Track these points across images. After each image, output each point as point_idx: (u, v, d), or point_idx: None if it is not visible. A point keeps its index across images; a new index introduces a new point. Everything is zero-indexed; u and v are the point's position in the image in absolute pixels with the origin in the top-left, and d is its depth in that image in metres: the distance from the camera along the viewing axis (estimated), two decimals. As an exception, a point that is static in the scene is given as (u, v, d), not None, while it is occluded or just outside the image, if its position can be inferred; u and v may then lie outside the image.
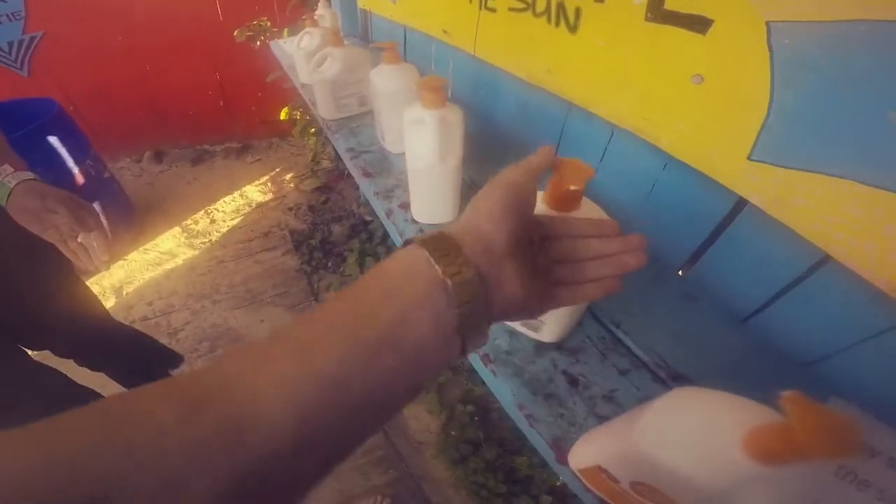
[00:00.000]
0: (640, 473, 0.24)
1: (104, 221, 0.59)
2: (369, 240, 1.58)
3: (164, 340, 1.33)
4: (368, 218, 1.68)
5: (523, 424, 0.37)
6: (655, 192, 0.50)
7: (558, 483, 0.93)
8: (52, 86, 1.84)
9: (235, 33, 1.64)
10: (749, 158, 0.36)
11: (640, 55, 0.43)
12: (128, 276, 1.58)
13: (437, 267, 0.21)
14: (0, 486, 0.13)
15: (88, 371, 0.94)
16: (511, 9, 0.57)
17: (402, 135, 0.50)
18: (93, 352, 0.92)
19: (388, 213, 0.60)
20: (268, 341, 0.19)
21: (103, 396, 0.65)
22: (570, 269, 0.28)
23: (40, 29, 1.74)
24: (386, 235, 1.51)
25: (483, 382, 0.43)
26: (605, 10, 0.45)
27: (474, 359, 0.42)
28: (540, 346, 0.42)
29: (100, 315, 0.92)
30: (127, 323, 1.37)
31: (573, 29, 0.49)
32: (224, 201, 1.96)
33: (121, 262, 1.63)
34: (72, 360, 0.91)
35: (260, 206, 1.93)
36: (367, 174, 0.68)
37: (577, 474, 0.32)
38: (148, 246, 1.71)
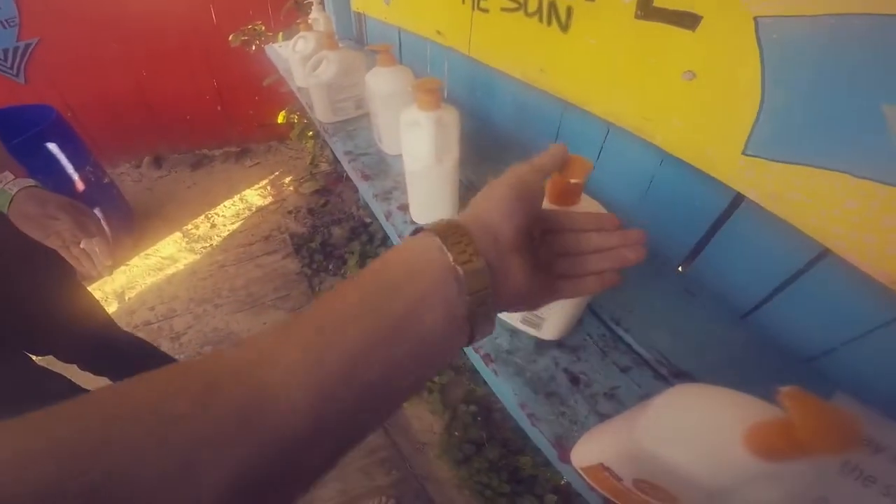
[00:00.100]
0: (642, 471, 0.24)
1: (105, 227, 0.59)
2: (370, 242, 1.59)
3: (166, 345, 1.34)
4: (368, 220, 1.68)
5: (525, 423, 0.37)
6: (653, 189, 0.50)
7: (563, 482, 0.93)
8: (50, 93, 1.84)
9: (230, 38, 1.64)
10: (744, 153, 0.36)
11: (632, 53, 0.43)
12: (130, 282, 1.58)
13: (448, 255, 0.21)
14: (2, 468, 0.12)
15: (92, 375, 0.95)
16: (503, 9, 0.57)
17: (399, 137, 0.50)
18: (95, 356, 0.92)
19: (388, 215, 0.60)
20: (282, 328, 0.19)
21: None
22: (571, 262, 0.28)
23: (35, 35, 1.74)
24: (386, 237, 1.51)
25: (485, 382, 0.43)
26: (596, 9, 0.45)
27: (476, 359, 0.42)
28: (541, 345, 0.42)
29: (102, 320, 0.92)
30: (130, 328, 1.39)
31: (565, 28, 0.49)
32: (224, 205, 1.96)
33: (122, 268, 1.63)
34: (75, 365, 0.91)
35: (260, 209, 1.93)
36: (365, 177, 0.68)
37: (580, 472, 0.32)
38: (149, 251, 1.71)
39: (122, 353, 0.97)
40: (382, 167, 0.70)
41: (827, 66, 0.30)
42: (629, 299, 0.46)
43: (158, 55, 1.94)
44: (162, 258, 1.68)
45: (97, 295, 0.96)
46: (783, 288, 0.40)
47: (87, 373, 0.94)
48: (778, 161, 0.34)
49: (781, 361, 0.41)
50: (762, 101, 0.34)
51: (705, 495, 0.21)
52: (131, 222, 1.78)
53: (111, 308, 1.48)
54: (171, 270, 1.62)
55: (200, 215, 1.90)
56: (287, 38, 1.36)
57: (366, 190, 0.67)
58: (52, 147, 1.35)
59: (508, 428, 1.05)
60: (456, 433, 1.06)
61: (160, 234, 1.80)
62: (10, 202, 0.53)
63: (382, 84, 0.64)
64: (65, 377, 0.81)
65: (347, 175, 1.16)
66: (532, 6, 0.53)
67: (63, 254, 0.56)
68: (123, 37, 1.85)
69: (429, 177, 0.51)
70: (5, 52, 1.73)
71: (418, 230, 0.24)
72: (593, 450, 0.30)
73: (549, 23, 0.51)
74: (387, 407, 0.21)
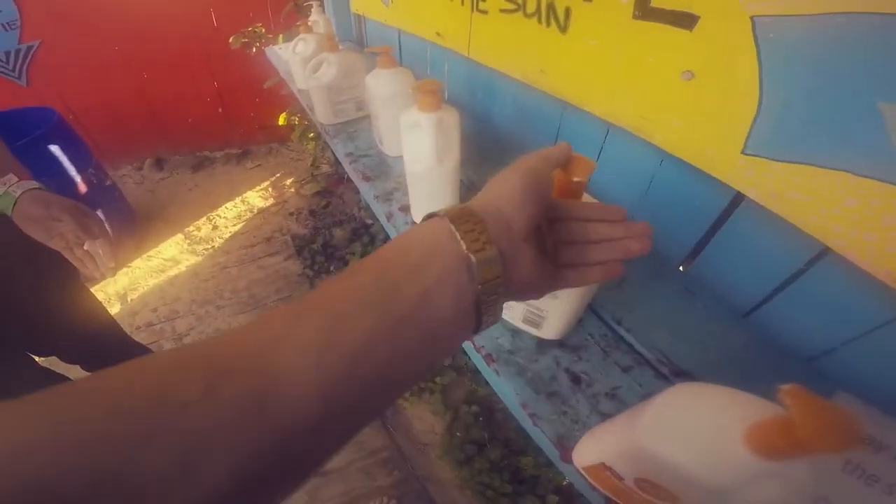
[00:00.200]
0: (643, 470, 0.24)
1: (108, 229, 0.59)
2: (371, 243, 1.59)
3: (169, 346, 1.34)
4: (370, 221, 1.68)
5: (527, 423, 0.37)
6: (653, 189, 0.50)
7: (565, 482, 0.93)
8: (51, 95, 1.85)
9: (230, 40, 1.65)
10: (743, 153, 0.36)
11: (631, 53, 0.43)
12: (132, 283, 1.59)
13: (462, 243, 0.21)
14: (2, 458, 0.12)
15: (94, 378, 0.95)
16: (502, 10, 0.58)
17: (400, 138, 0.51)
18: (99, 357, 0.93)
19: (389, 217, 0.60)
20: (291, 312, 0.19)
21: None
22: (576, 251, 0.28)
23: (37, 38, 1.75)
24: (388, 238, 1.51)
25: (487, 382, 0.44)
26: (594, 10, 0.45)
27: (477, 359, 0.43)
28: (542, 345, 0.42)
29: (105, 321, 0.93)
30: (132, 329, 1.39)
31: (564, 29, 0.50)
32: (226, 207, 1.97)
33: (125, 270, 1.63)
34: (78, 366, 0.92)
35: (261, 211, 1.93)
36: (366, 178, 0.68)
37: (582, 472, 0.32)
38: (151, 253, 1.72)
39: (124, 354, 0.98)
40: (383, 168, 0.71)
41: (823, 64, 0.30)
42: (630, 299, 0.46)
43: (159, 57, 1.95)
44: (164, 260, 1.69)
45: (100, 296, 0.96)
46: (784, 287, 0.40)
47: (89, 374, 0.94)
48: (777, 160, 0.34)
49: (783, 361, 0.41)
50: (761, 100, 0.34)
51: (706, 494, 0.21)
52: (133, 224, 1.78)
53: (114, 309, 1.48)
54: (173, 272, 1.63)
55: (202, 217, 1.90)
56: (287, 40, 1.36)
57: (367, 191, 0.67)
58: (55, 149, 1.36)
59: (510, 428, 1.05)
60: (457, 433, 1.05)
61: (162, 235, 1.80)
62: (14, 204, 0.54)
63: (383, 86, 0.64)
64: (68, 378, 0.81)
65: (348, 177, 1.16)
66: (531, 7, 0.53)
67: (66, 255, 0.57)
68: (124, 39, 1.86)
69: (430, 178, 0.51)
70: (7, 54, 1.74)
71: (432, 215, 0.23)
72: (595, 449, 0.30)
73: (548, 24, 0.51)
74: (391, 393, 0.21)
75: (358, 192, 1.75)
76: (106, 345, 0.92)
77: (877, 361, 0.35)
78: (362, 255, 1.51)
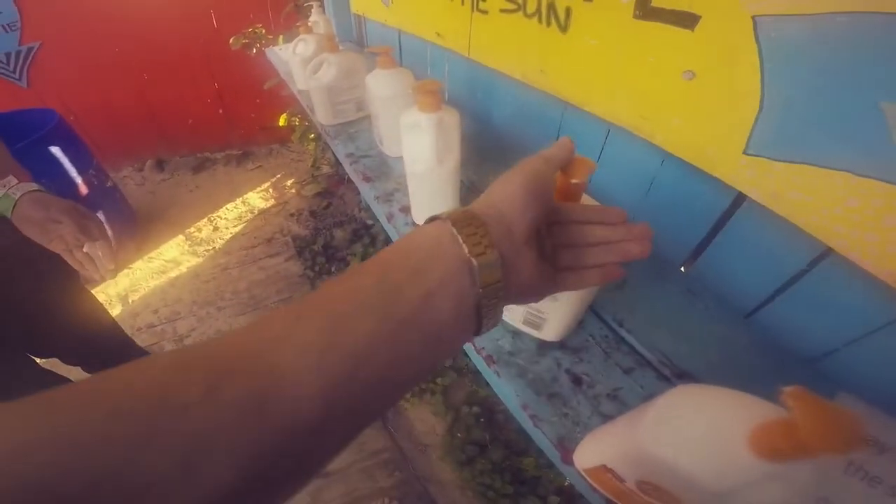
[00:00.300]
0: (645, 472, 0.24)
1: (108, 231, 0.59)
2: (372, 244, 1.59)
3: (170, 347, 1.34)
4: (370, 222, 1.68)
5: (528, 425, 0.37)
6: (654, 189, 0.50)
7: (566, 484, 0.93)
8: (52, 96, 1.86)
9: (231, 41, 1.65)
10: (745, 153, 0.36)
11: (631, 53, 0.43)
12: (133, 285, 1.59)
13: (464, 246, 0.21)
14: (2, 458, 0.12)
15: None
16: (502, 10, 0.58)
17: (400, 139, 0.50)
18: (100, 359, 0.93)
19: (389, 217, 0.60)
20: (292, 313, 0.19)
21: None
22: (575, 253, 0.28)
23: (37, 39, 1.75)
24: (388, 239, 1.51)
25: (487, 384, 0.43)
26: (595, 10, 0.45)
27: (478, 360, 0.42)
28: (543, 346, 0.42)
29: (106, 323, 0.93)
30: (133, 330, 1.39)
31: (564, 29, 0.49)
32: (226, 208, 1.97)
33: (126, 271, 1.64)
34: (79, 368, 0.92)
35: (262, 212, 1.93)
36: (366, 178, 0.68)
37: (583, 474, 0.31)
38: (152, 254, 1.72)
39: (125, 355, 0.98)
40: (384, 169, 0.71)
41: (825, 64, 0.29)
42: (631, 300, 0.46)
43: (160, 59, 1.95)
44: (165, 261, 1.69)
45: (101, 298, 0.96)
46: (785, 288, 0.40)
47: (90, 375, 0.94)
48: (779, 160, 0.34)
49: (785, 362, 0.40)
50: (762, 100, 0.34)
51: (708, 496, 0.21)
52: (134, 226, 1.78)
53: (115, 311, 1.48)
54: (174, 273, 1.63)
55: (203, 218, 1.90)
56: (287, 41, 1.36)
57: (367, 192, 0.67)
58: (55, 151, 1.36)
59: (511, 429, 1.05)
60: (459, 435, 1.05)
61: (163, 237, 1.80)
62: (14, 206, 0.54)
63: (383, 86, 0.64)
64: (69, 380, 0.81)
65: (349, 177, 1.16)
66: (531, 7, 0.53)
67: (66, 258, 0.57)
68: (125, 40, 1.86)
69: (430, 178, 0.51)
70: (7, 55, 1.74)
71: (434, 218, 0.23)
72: (596, 451, 0.30)
73: (549, 24, 0.51)
74: (393, 395, 0.21)
75: (358, 193, 1.75)
76: (107, 346, 0.92)
77: (879, 362, 0.35)
78: (363, 256, 1.51)
